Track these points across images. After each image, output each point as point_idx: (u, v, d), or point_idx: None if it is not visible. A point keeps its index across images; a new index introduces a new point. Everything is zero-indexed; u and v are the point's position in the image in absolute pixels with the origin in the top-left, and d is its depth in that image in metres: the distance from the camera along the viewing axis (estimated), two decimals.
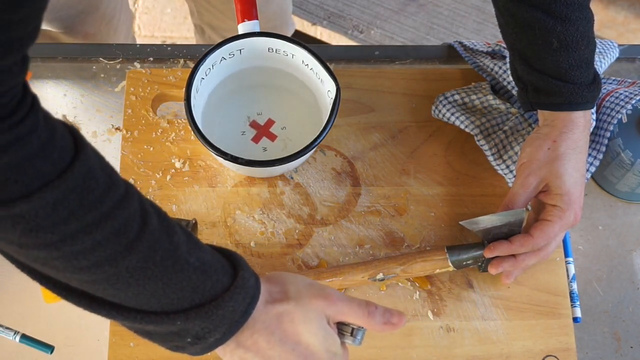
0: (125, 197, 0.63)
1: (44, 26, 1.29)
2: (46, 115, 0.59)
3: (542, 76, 0.90)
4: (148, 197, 1.01)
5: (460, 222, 0.92)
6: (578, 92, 0.90)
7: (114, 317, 0.67)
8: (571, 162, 0.90)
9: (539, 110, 0.94)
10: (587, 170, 0.98)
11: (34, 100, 0.58)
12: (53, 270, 0.63)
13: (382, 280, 0.95)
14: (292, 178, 1.04)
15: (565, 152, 0.90)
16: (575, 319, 0.98)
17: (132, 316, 0.66)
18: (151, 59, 1.12)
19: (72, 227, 0.60)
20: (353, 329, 0.75)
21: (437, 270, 0.96)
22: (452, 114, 1.04)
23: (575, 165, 0.90)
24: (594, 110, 1.02)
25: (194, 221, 0.91)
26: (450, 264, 0.94)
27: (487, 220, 0.90)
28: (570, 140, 0.90)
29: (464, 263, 0.94)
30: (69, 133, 0.61)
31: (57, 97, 1.10)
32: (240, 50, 1.01)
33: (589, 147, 1.03)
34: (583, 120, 0.91)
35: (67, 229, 0.60)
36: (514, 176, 0.99)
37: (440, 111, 1.05)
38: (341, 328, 0.75)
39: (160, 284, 0.65)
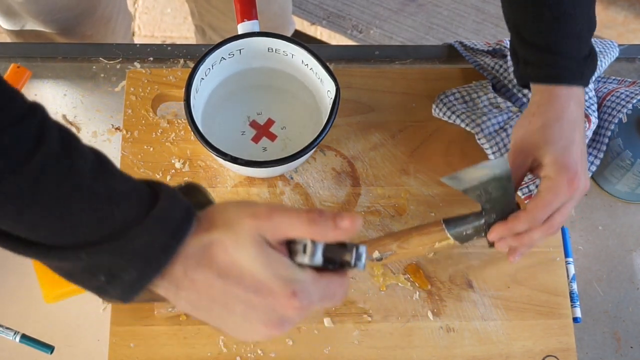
0: (24, 116, 0.57)
1: (41, 27, 1.28)
2: None
3: (531, 48, 0.89)
4: None
5: (441, 179, 0.87)
6: (561, 64, 0.88)
7: (15, 249, 0.61)
8: (553, 131, 0.87)
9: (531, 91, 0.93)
10: (588, 169, 0.98)
11: None
12: None
13: (380, 259, 0.92)
14: (292, 178, 1.04)
15: (546, 123, 0.88)
16: (575, 319, 0.98)
17: (33, 250, 0.60)
18: (151, 59, 1.12)
19: None
20: (305, 244, 0.61)
21: (437, 244, 0.92)
22: (453, 113, 1.04)
23: (559, 134, 0.87)
24: (595, 108, 1.02)
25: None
26: (449, 236, 0.91)
27: (470, 174, 0.85)
28: (550, 112, 0.88)
29: (464, 234, 0.91)
30: None
31: (57, 97, 1.10)
32: (240, 50, 1.01)
33: (589, 146, 1.03)
34: (566, 93, 0.89)
35: None
36: None
37: (441, 110, 1.05)
38: (293, 247, 0.62)
39: (58, 214, 0.59)
